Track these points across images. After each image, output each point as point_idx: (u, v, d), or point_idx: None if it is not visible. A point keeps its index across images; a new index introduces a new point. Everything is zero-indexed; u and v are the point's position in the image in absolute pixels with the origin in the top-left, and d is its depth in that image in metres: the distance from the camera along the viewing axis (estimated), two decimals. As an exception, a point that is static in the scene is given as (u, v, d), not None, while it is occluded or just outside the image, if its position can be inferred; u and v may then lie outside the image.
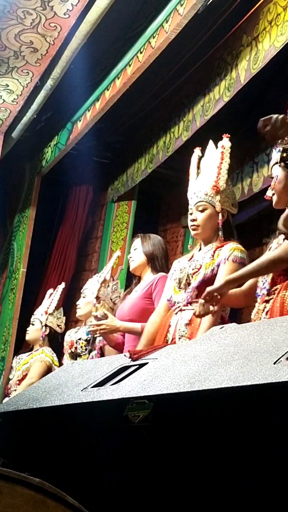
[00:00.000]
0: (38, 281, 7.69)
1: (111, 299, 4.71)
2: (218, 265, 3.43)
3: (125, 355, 2.45)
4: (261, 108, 6.27)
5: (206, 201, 3.56)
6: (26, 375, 5.44)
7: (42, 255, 7.76)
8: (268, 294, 2.98)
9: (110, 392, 2.05)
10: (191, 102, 5.99)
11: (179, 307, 3.50)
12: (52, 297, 5.90)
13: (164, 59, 5.54)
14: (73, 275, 7.67)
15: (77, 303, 4.97)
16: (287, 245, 2.85)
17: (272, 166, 3.09)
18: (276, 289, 2.94)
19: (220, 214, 3.54)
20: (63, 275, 7.62)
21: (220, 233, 3.53)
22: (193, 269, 3.51)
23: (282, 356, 1.66)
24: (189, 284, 3.50)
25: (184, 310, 3.47)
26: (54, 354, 5.50)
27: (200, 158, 3.71)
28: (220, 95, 5.48)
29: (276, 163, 3.01)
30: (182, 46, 5.61)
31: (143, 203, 7.65)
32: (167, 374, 1.94)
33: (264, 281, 3.03)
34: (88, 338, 4.68)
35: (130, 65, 5.71)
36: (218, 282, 3.14)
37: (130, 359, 2.36)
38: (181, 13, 4.93)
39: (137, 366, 2.23)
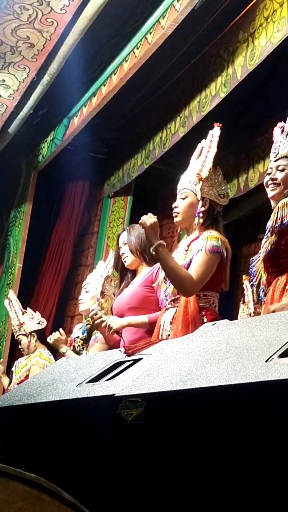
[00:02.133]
0: (34, 276, 7.70)
1: (113, 294, 4.67)
2: (190, 259, 3.31)
3: (120, 350, 2.45)
4: (258, 104, 6.29)
5: (188, 189, 3.44)
6: (27, 376, 5.43)
7: (38, 250, 7.76)
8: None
9: (105, 388, 2.06)
10: (187, 98, 5.99)
11: (165, 305, 3.46)
12: (13, 308, 5.89)
13: (160, 55, 5.54)
14: (69, 270, 7.68)
15: (79, 298, 4.89)
16: None
17: (283, 158, 3.04)
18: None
19: (200, 202, 3.41)
20: (59, 270, 7.63)
21: (197, 220, 3.40)
22: None
23: (274, 354, 1.66)
24: None
25: (168, 308, 3.42)
26: (52, 356, 5.51)
27: (202, 148, 3.62)
28: (216, 91, 5.49)
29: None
30: (178, 42, 5.61)
31: (139, 199, 7.67)
32: (159, 371, 1.95)
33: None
34: (84, 337, 4.67)
35: (126, 61, 5.71)
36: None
37: (125, 354, 2.37)
38: (178, 9, 4.94)
39: (132, 361, 2.24)
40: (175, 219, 3.49)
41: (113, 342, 4.22)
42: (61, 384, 2.36)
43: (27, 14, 5.40)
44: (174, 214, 3.49)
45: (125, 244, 4.09)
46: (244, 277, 5.72)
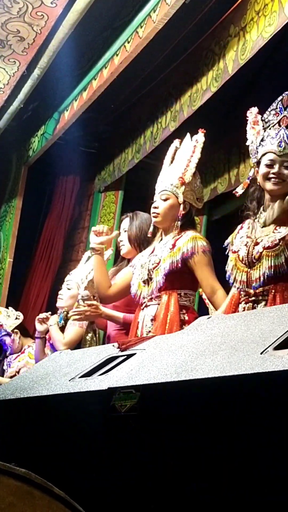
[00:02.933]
0: (25, 271, 7.68)
1: (93, 296, 4.68)
2: (182, 259, 3.42)
3: (113, 345, 2.45)
4: (249, 99, 6.28)
5: (170, 191, 3.57)
6: (20, 369, 5.42)
7: (29, 245, 7.74)
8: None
9: (98, 383, 2.05)
10: (178, 93, 5.98)
11: (144, 302, 3.52)
12: None
13: (151, 49, 5.53)
14: (60, 265, 7.66)
15: (60, 292, 4.88)
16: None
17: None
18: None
19: (181, 206, 3.54)
20: (50, 265, 7.61)
21: (178, 223, 3.53)
22: (153, 264, 3.51)
23: (269, 346, 1.66)
24: (151, 279, 3.51)
25: (149, 305, 3.50)
26: None
27: (176, 150, 3.71)
28: (207, 85, 5.48)
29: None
30: (169, 36, 5.59)
31: (130, 193, 7.65)
32: (154, 364, 1.95)
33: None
34: (62, 325, 4.67)
35: (117, 55, 5.69)
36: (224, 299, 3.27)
37: (118, 350, 2.36)
38: (169, 3, 4.92)
39: (125, 356, 2.23)
40: (154, 219, 3.63)
41: (101, 326, 4.30)
42: (54, 378, 2.35)
43: (17, 7, 5.37)
44: (153, 215, 3.61)
45: (125, 231, 4.15)
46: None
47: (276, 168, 2.98)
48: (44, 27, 5.56)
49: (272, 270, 2.89)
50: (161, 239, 3.63)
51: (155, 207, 3.59)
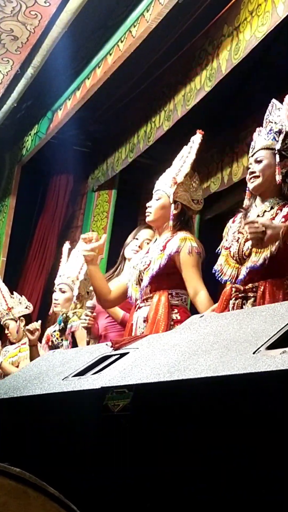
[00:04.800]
0: (18, 270, 7.67)
1: (87, 293, 4.69)
2: (170, 259, 3.43)
3: (106, 344, 2.45)
4: (242, 98, 6.29)
5: (163, 190, 3.59)
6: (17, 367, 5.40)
7: (22, 244, 7.74)
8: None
9: (91, 382, 2.06)
10: (172, 92, 5.98)
11: (137, 304, 3.54)
12: (2, 293, 5.83)
13: (145, 48, 5.53)
14: (53, 264, 7.65)
15: (54, 297, 4.86)
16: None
17: (260, 150, 3.04)
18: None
19: (172, 206, 3.53)
20: (43, 264, 7.61)
21: (170, 223, 3.52)
22: (143, 265, 3.53)
23: (261, 346, 1.66)
24: (141, 280, 3.52)
25: (141, 307, 3.51)
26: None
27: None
28: (201, 85, 5.49)
29: (269, 148, 3.00)
30: (163, 35, 5.60)
31: (123, 193, 7.66)
32: (147, 363, 1.95)
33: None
34: (61, 327, 4.66)
35: (110, 54, 5.70)
36: (207, 302, 3.31)
37: (112, 349, 2.37)
38: (162, 3, 4.93)
39: (118, 355, 2.24)
40: (147, 218, 3.66)
41: (96, 335, 4.29)
42: (47, 377, 2.35)
43: (10, 6, 5.37)
44: (146, 213, 3.65)
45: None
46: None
47: (251, 167, 3.07)
48: (38, 26, 5.56)
49: (257, 264, 2.90)
50: (156, 240, 3.64)
51: (148, 206, 3.62)
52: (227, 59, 5.11)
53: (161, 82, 6.29)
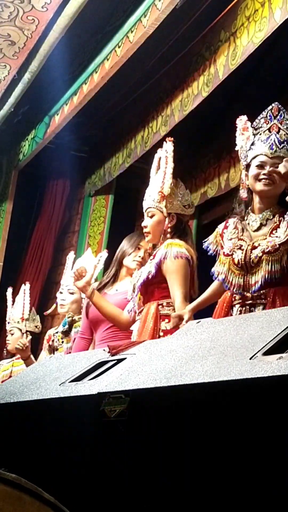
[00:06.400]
0: (15, 275, 7.66)
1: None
2: (156, 268, 3.40)
3: (104, 350, 2.45)
4: (239, 104, 6.30)
5: (154, 207, 3.56)
6: (4, 381, 5.37)
7: (19, 249, 7.73)
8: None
9: (88, 387, 2.06)
10: (169, 97, 5.99)
11: (135, 318, 3.55)
12: (23, 301, 5.78)
13: (142, 53, 5.54)
14: (50, 269, 7.65)
15: (61, 298, 4.82)
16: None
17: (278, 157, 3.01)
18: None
19: (167, 219, 3.52)
20: (40, 269, 7.61)
21: (168, 235, 3.51)
22: (137, 279, 3.52)
23: (258, 352, 1.67)
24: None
25: (136, 320, 3.52)
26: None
27: (160, 159, 3.68)
28: (198, 90, 5.49)
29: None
30: (160, 41, 5.61)
31: (120, 198, 7.65)
32: (144, 369, 1.95)
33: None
34: (65, 329, 4.64)
35: (108, 59, 5.70)
36: (180, 310, 3.21)
37: (109, 354, 2.37)
38: (160, 8, 4.93)
39: (115, 361, 2.24)
40: (147, 239, 3.64)
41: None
42: (44, 383, 2.35)
43: (8, 11, 5.38)
44: (145, 235, 3.62)
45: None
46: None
47: (267, 169, 2.99)
48: (35, 32, 5.57)
49: (272, 274, 2.88)
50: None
51: (144, 227, 3.59)
52: (224, 64, 5.11)
53: (158, 87, 6.29)
